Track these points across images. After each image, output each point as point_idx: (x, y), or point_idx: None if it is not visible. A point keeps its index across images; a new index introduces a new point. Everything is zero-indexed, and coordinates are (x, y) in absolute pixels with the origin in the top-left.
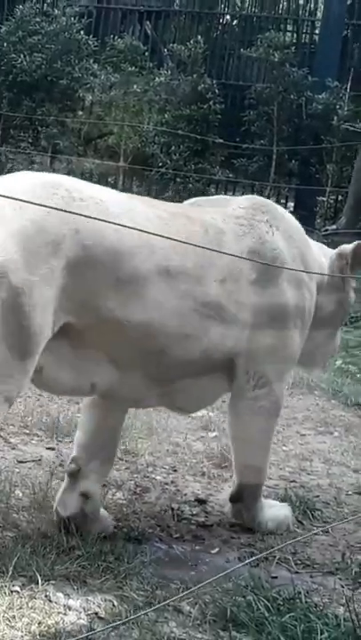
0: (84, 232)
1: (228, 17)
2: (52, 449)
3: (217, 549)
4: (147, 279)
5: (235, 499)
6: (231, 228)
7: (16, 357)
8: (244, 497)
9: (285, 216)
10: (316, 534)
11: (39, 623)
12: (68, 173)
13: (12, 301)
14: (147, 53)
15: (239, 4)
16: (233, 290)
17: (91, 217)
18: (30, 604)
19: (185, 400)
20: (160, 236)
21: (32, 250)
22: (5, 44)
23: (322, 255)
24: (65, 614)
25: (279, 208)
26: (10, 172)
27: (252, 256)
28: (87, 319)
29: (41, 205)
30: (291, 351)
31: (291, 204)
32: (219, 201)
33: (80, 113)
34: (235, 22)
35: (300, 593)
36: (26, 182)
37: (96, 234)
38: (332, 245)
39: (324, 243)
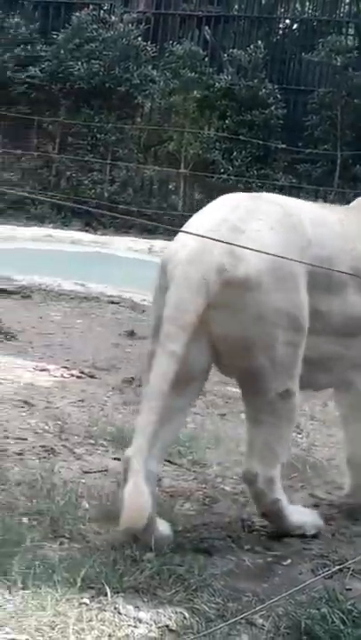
0: (313, 242)
1: (287, 21)
2: (118, 459)
3: (289, 561)
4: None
5: None
6: None
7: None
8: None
9: None
10: None
11: (109, 636)
12: (127, 180)
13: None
14: (206, 59)
15: (299, 8)
16: None
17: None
18: (100, 617)
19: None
20: None
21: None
22: (63, 52)
23: None
24: (135, 627)
25: None
26: (69, 180)
27: None
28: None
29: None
30: None
31: None
32: None
33: (139, 120)
34: (295, 26)
35: None
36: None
37: (320, 244)
38: None
39: None
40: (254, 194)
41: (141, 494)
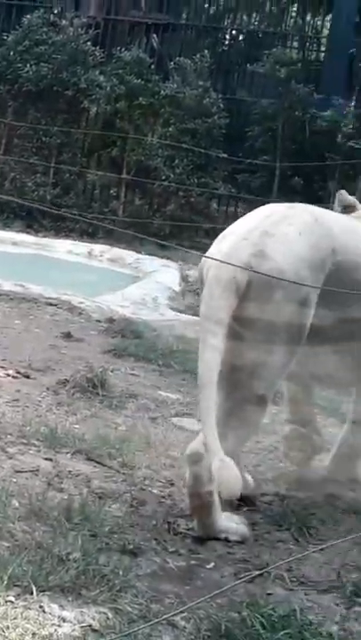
0: (339, 251)
1: (233, 32)
2: (50, 459)
3: (212, 564)
4: None
5: None
6: None
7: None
8: None
9: None
10: (311, 552)
11: (33, 634)
12: (70, 184)
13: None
14: (153, 66)
15: (246, 20)
16: None
17: None
18: (24, 615)
19: None
20: None
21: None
22: (12, 53)
23: None
24: (59, 626)
25: None
26: (13, 181)
27: None
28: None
29: None
30: None
31: None
32: None
33: (84, 124)
34: (241, 37)
35: (294, 610)
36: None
37: (344, 251)
38: None
39: None
40: (289, 204)
41: (231, 467)
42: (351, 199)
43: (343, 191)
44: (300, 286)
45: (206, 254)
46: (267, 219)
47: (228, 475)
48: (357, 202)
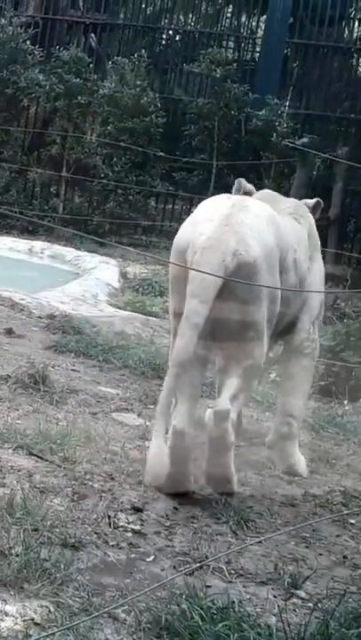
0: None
1: (170, 32)
2: None
3: (152, 557)
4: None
5: None
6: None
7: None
8: None
9: None
10: (250, 545)
11: None
12: (11, 182)
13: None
14: (91, 65)
15: (182, 20)
16: None
17: None
18: None
19: None
20: None
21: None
22: None
23: None
24: (1, 620)
25: None
26: None
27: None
28: None
29: None
30: None
31: None
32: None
33: (24, 122)
34: (177, 37)
35: (233, 602)
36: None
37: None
38: None
39: None
40: (235, 196)
41: (162, 452)
42: (250, 187)
43: (242, 179)
44: (275, 274)
45: (183, 239)
46: (233, 207)
47: (155, 459)
48: (254, 190)
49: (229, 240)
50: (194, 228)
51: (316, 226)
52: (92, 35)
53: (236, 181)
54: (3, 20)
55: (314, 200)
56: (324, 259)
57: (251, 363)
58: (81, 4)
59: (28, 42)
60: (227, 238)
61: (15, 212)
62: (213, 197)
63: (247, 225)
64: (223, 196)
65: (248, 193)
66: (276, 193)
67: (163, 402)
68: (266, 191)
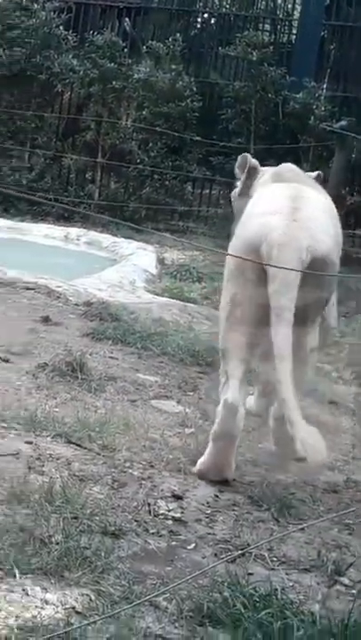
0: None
1: (205, 15)
2: (30, 443)
3: (193, 545)
4: None
5: None
6: None
7: None
8: None
9: None
10: (292, 532)
11: (16, 617)
12: (46, 169)
13: None
14: (125, 50)
15: (217, 3)
16: None
17: None
18: (8, 598)
19: None
20: None
21: None
22: None
23: None
24: (42, 608)
25: None
26: None
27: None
28: None
29: None
30: None
31: None
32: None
33: (59, 108)
34: (212, 21)
35: (276, 590)
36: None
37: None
38: None
39: None
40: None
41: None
42: (254, 162)
43: (247, 154)
44: (338, 263)
45: (258, 232)
46: (296, 199)
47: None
48: (258, 165)
49: (300, 236)
50: (265, 221)
51: (353, 208)
52: (127, 19)
53: (240, 157)
54: (35, 6)
55: (315, 173)
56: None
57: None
58: None
59: (61, 27)
60: (298, 235)
61: (50, 199)
62: (271, 187)
63: (314, 219)
64: (281, 186)
65: (254, 168)
66: (296, 167)
67: (288, 396)
68: (287, 166)
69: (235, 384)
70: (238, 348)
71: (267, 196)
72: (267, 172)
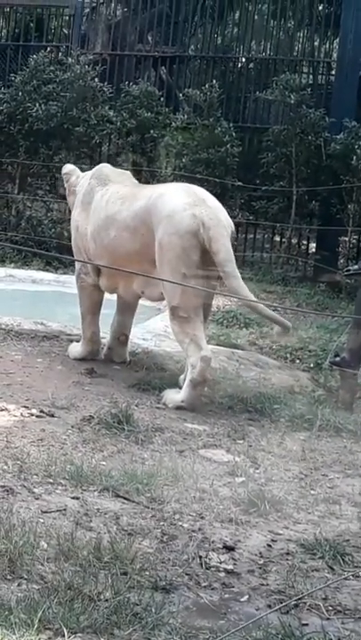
0: None
1: (243, 60)
2: (77, 498)
3: (246, 597)
4: None
5: None
6: None
7: None
8: None
9: None
10: (346, 579)
11: None
12: None
13: None
14: (162, 99)
15: (255, 48)
16: None
17: None
18: None
19: None
20: None
21: None
22: (21, 94)
23: None
24: None
25: None
26: (29, 220)
27: None
28: None
29: None
30: None
31: (313, 245)
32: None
33: (98, 159)
34: (250, 66)
35: None
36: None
37: None
38: (356, 285)
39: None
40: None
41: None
42: (70, 167)
43: (67, 164)
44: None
45: (196, 221)
46: (196, 194)
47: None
48: (75, 168)
49: (222, 217)
50: (192, 213)
51: None
52: (162, 67)
53: (63, 167)
54: (70, 59)
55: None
56: None
57: None
58: (150, 38)
59: (96, 79)
60: (220, 216)
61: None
62: (176, 188)
63: (218, 204)
64: (182, 186)
65: (67, 174)
66: (111, 166)
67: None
68: (105, 165)
69: (203, 340)
70: (198, 311)
71: (181, 195)
72: (85, 174)
